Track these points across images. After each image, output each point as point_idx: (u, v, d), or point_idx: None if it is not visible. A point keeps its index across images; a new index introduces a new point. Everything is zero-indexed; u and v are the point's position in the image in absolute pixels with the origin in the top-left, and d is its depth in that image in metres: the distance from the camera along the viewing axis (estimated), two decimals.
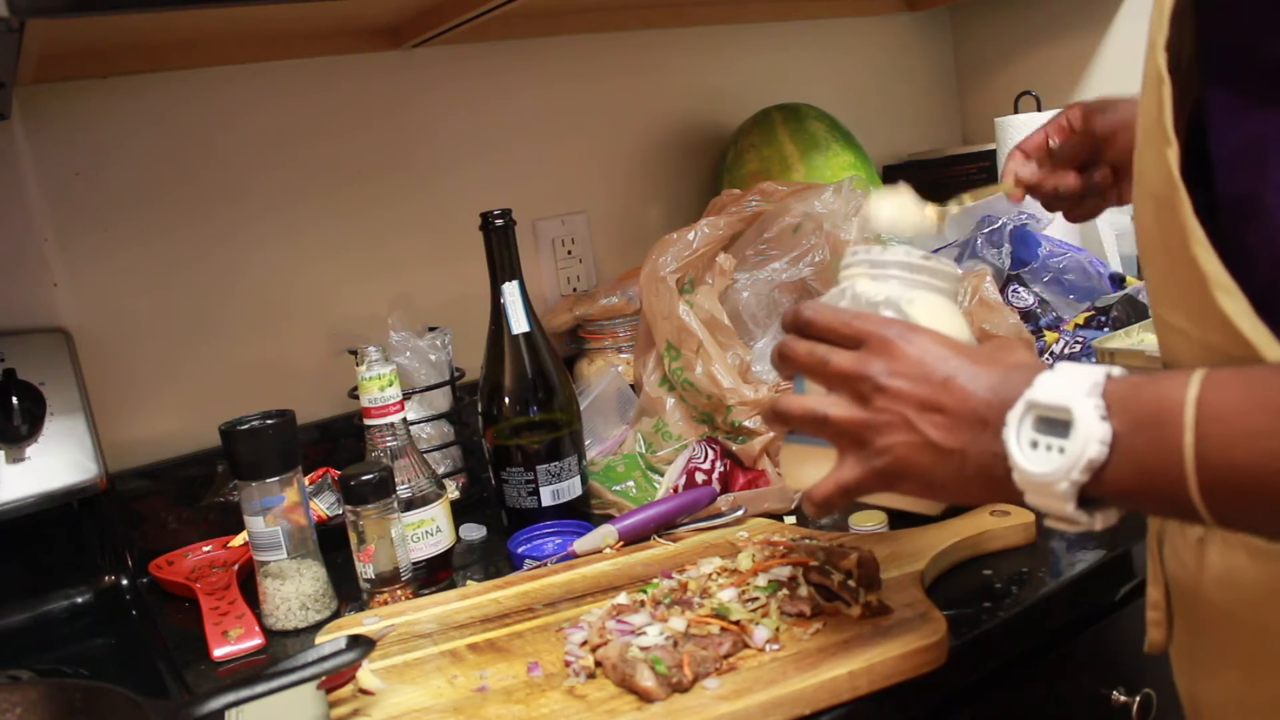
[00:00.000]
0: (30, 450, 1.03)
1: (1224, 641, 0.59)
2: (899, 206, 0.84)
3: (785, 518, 1.03)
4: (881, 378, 0.60)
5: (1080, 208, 0.92)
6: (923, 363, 0.59)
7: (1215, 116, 0.54)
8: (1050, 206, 0.92)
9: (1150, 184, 0.55)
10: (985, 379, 0.57)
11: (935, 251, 1.43)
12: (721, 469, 1.08)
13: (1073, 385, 0.52)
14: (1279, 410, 0.46)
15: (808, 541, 0.87)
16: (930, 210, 0.84)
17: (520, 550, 1.02)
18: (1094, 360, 1.14)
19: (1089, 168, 0.90)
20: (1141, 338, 1.13)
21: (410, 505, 0.98)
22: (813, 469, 0.65)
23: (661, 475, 1.12)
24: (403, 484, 0.97)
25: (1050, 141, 0.89)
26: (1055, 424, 0.52)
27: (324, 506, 1.11)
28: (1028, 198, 0.92)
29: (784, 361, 0.66)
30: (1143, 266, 0.60)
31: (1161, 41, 0.53)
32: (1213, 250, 0.50)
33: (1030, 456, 0.53)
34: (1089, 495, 0.52)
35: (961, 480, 0.58)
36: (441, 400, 1.21)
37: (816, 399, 0.63)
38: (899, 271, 0.68)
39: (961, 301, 0.70)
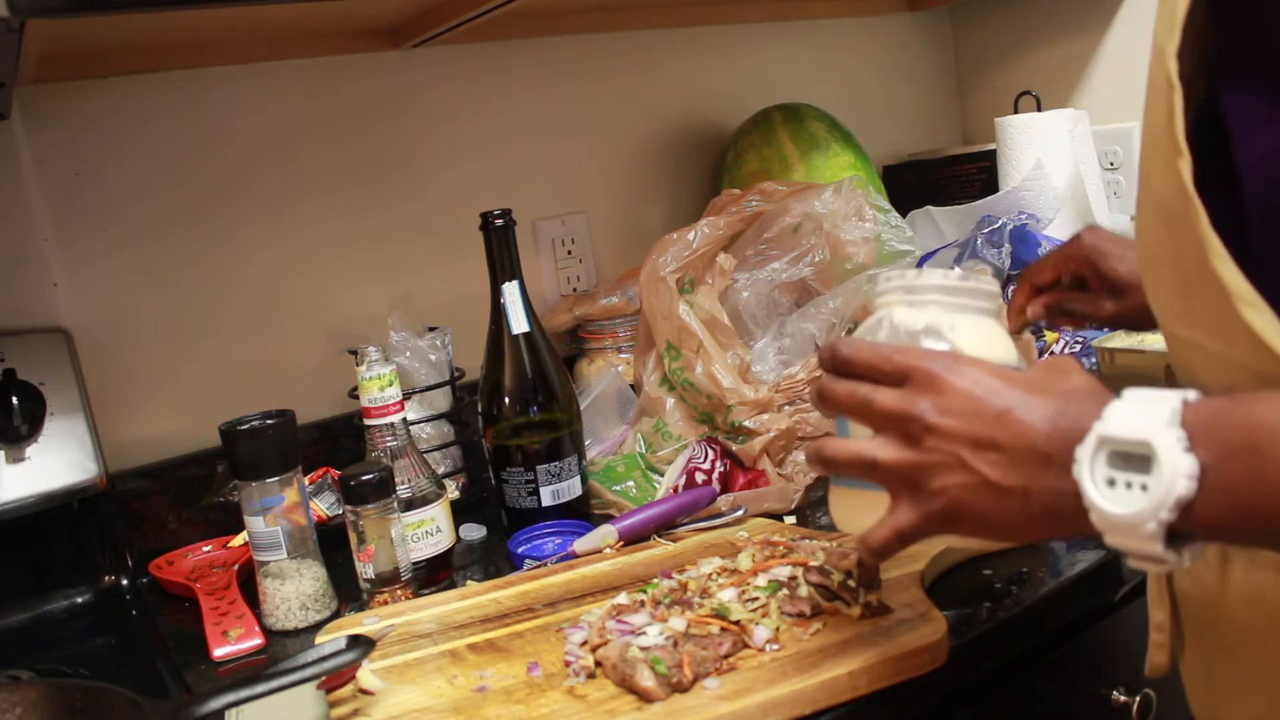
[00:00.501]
0: (30, 450, 1.03)
1: (1249, 663, 0.58)
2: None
3: (785, 518, 1.03)
4: (930, 416, 0.56)
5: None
6: (973, 396, 0.55)
7: (1238, 124, 0.52)
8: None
9: (1159, 196, 0.53)
10: (1042, 410, 0.53)
11: (934, 253, 1.43)
12: (721, 469, 1.08)
13: (1149, 416, 0.48)
14: None
15: (808, 541, 0.87)
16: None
17: (520, 550, 1.02)
18: (1094, 360, 1.14)
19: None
20: (1141, 338, 1.13)
21: (410, 505, 0.98)
22: (865, 514, 0.62)
23: (661, 475, 1.12)
24: (403, 484, 0.97)
25: (1059, 286, 0.90)
26: (1133, 459, 0.48)
27: (324, 506, 1.11)
28: (1033, 202, 0.92)
29: (824, 403, 0.62)
30: (1146, 281, 0.58)
31: (1172, 49, 0.51)
32: (1233, 263, 0.48)
33: (1109, 496, 0.49)
34: (1177, 530, 0.49)
35: (1026, 519, 0.54)
36: (441, 400, 1.21)
37: (863, 443, 0.60)
38: (937, 296, 0.65)
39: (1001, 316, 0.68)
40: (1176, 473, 0.47)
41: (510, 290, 1.07)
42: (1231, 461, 0.46)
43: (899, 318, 0.65)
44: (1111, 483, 0.49)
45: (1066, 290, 0.89)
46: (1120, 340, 1.13)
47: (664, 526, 1.01)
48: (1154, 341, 1.11)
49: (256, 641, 0.92)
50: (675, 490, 1.07)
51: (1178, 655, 0.66)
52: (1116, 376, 1.04)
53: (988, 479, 0.54)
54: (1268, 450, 0.45)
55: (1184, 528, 0.48)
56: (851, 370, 0.61)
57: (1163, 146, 0.51)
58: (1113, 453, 0.49)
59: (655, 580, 0.85)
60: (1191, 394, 0.49)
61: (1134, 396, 0.50)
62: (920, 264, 1.27)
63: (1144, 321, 0.81)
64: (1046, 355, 1.19)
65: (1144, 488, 0.48)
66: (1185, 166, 0.50)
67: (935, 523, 0.58)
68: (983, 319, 0.65)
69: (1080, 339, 1.20)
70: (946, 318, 0.64)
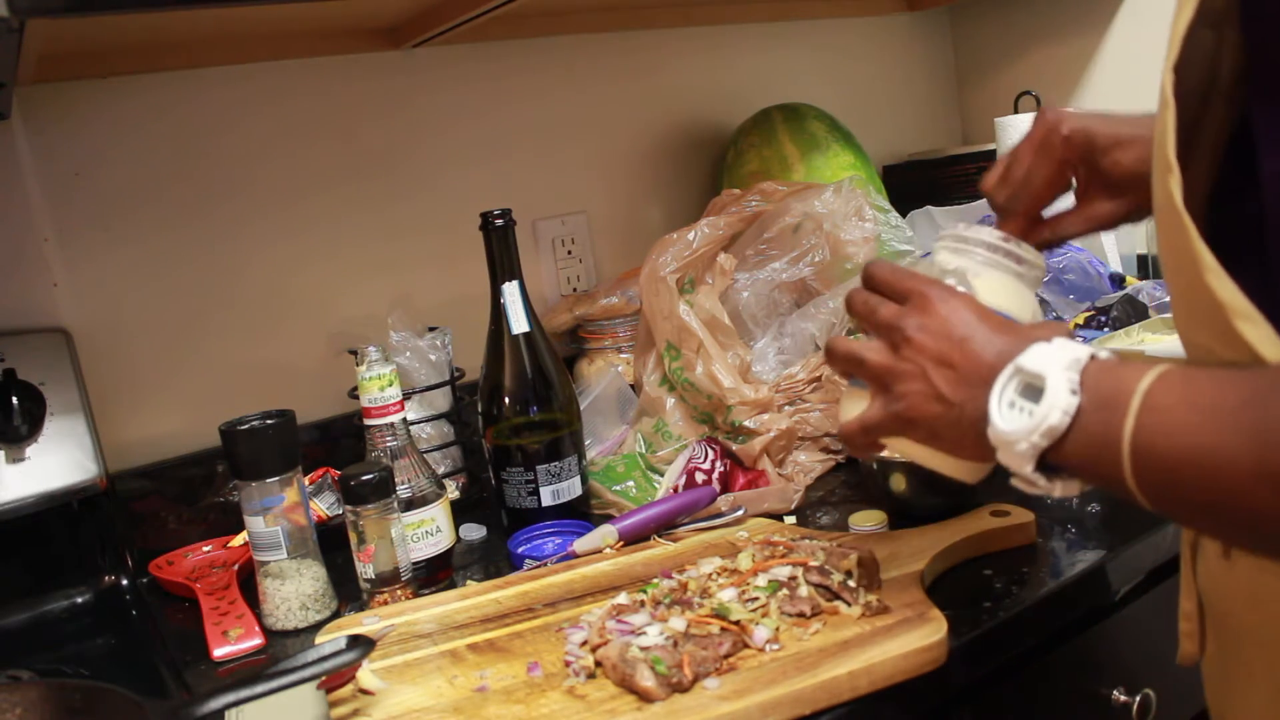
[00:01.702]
0: (30, 450, 1.03)
1: (1254, 660, 0.59)
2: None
3: (785, 518, 1.03)
4: (911, 330, 0.64)
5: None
6: (948, 321, 0.63)
7: (1262, 134, 0.53)
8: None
9: (1159, 209, 0.55)
10: (997, 344, 0.61)
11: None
12: (721, 469, 1.08)
13: (1055, 357, 0.56)
14: (1205, 408, 0.48)
15: (808, 541, 0.87)
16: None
17: (520, 550, 1.02)
18: None
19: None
20: (1142, 337, 1.13)
21: (410, 505, 0.98)
22: (852, 408, 0.71)
23: (661, 475, 1.12)
24: (403, 484, 0.97)
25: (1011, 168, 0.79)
26: (1034, 390, 0.56)
27: (324, 506, 1.11)
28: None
29: (847, 308, 0.72)
30: (1165, 281, 0.61)
31: (1169, 63, 0.53)
32: (1227, 278, 0.50)
33: (1004, 415, 0.57)
34: (1050, 463, 0.56)
35: (958, 432, 0.62)
36: (441, 400, 1.21)
37: (859, 343, 0.69)
38: (979, 250, 0.72)
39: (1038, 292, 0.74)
40: (1054, 406, 0.54)
41: (510, 290, 1.07)
42: (1097, 410, 0.53)
43: (940, 259, 0.73)
44: (1012, 405, 0.57)
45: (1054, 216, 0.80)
46: (1120, 340, 1.13)
47: (664, 526, 1.01)
48: (1154, 342, 1.11)
49: (256, 641, 0.92)
50: (675, 490, 1.07)
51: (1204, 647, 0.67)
52: None
53: (939, 391, 0.63)
54: (1119, 409, 0.52)
55: (1055, 459, 0.56)
56: (872, 285, 0.70)
57: (1159, 161, 0.54)
58: (1023, 382, 0.57)
59: (655, 580, 0.85)
60: (1104, 352, 0.56)
61: (1059, 342, 0.57)
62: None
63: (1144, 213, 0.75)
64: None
65: (1030, 414, 0.56)
66: (1175, 183, 0.52)
67: (895, 422, 0.66)
68: (1012, 280, 0.71)
69: (1080, 339, 1.20)
70: (976, 267, 0.71)
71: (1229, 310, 0.50)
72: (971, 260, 0.72)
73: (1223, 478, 0.47)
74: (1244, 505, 0.47)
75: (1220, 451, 0.47)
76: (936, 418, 0.63)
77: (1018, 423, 0.56)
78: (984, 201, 1.49)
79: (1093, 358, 0.55)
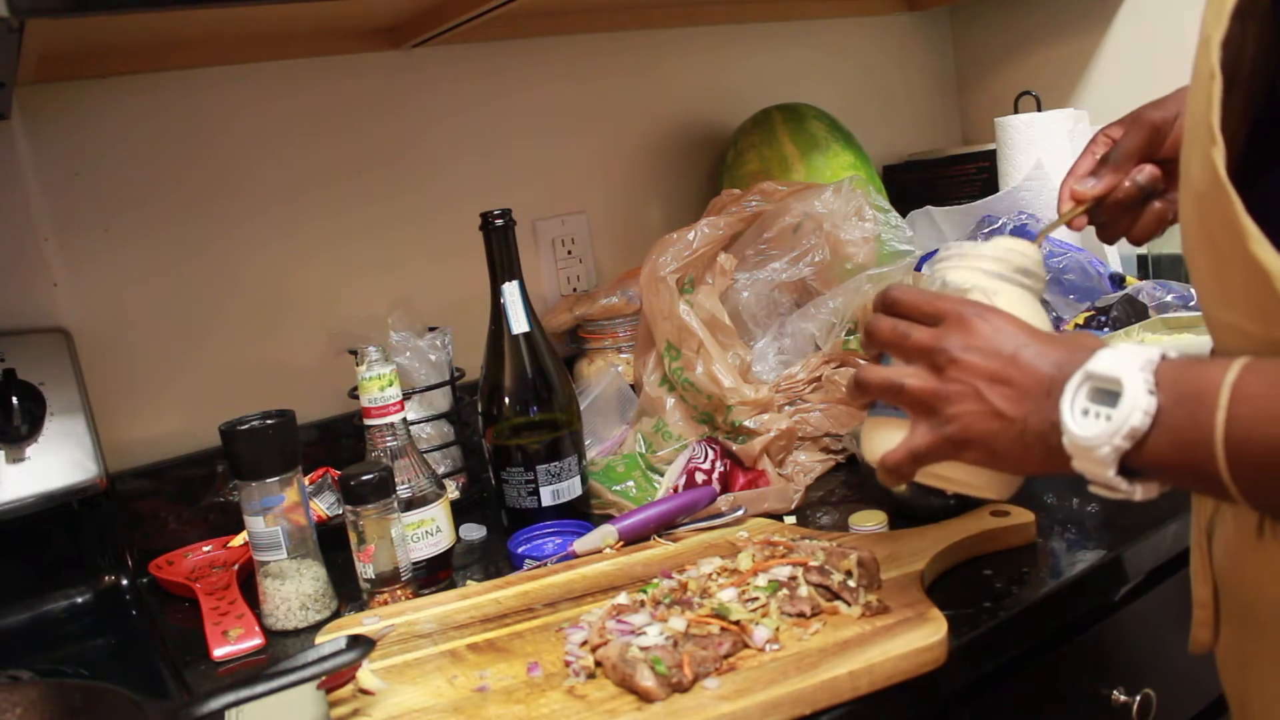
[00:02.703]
0: (30, 450, 1.03)
1: None
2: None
3: (785, 518, 1.03)
4: (956, 350, 0.63)
5: (1141, 222, 0.83)
6: (995, 338, 0.62)
7: None
8: (1109, 231, 0.84)
9: (1195, 183, 0.55)
10: (1052, 355, 0.60)
11: (933, 253, 1.43)
12: (721, 469, 1.08)
13: (1128, 360, 0.55)
14: None
15: (808, 541, 0.87)
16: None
17: (520, 550, 1.02)
18: None
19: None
20: (1142, 337, 1.13)
21: (410, 505, 0.98)
22: (888, 438, 0.69)
23: (661, 475, 1.12)
24: (403, 484, 0.97)
25: (1095, 155, 0.83)
26: (1108, 394, 0.55)
27: (324, 506, 1.11)
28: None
29: (870, 338, 0.70)
30: (1188, 262, 0.61)
31: (1218, 37, 0.52)
32: (1271, 247, 0.50)
33: (1080, 422, 0.56)
34: (1131, 466, 0.55)
35: (1022, 447, 0.61)
36: (441, 400, 1.21)
37: (895, 370, 0.67)
38: (989, 265, 0.71)
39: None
40: (1134, 407, 0.53)
41: (510, 290, 1.07)
42: (1180, 406, 0.52)
43: (951, 278, 0.72)
44: (1086, 413, 0.56)
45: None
46: (1120, 340, 1.13)
47: (664, 526, 1.01)
48: (1154, 342, 1.11)
49: (256, 641, 0.92)
50: (675, 490, 1.07)
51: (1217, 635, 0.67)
52: None
53: (997, 409, 0.61)
54: (1206, 402, 0.51)
55: (1137, 462, 0.55)
56: (896, 310, 0.68)
57: (1199, 135, 0.53)
58: (1094, 388, 0.56)
59: (655, 580, 0.85)
60: (1173, 351, 0.55)
61: (1123, 346, 0.56)
62: (920, 264, 1.26)
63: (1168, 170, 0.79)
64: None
65: (1109, 418, 0.54)
66: (1219, 155, 0.52)
67: (947, 446, 0.64)
68: (1025, 293, 0.71)
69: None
70: (991, 284, 0.70)
71: (1274, 277, 0.50)
72: (984, 277, 0.71)
73: None
74: None
75: None
76: (994, 436, 0.62)
77: (1096, 428, 0.55)
78: (984, 201, 1.50)
79: (1164, 357, 0.55)
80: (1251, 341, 0.54)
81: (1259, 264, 0.50)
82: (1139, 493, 0.56)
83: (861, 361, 0.74)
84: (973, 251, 0.73)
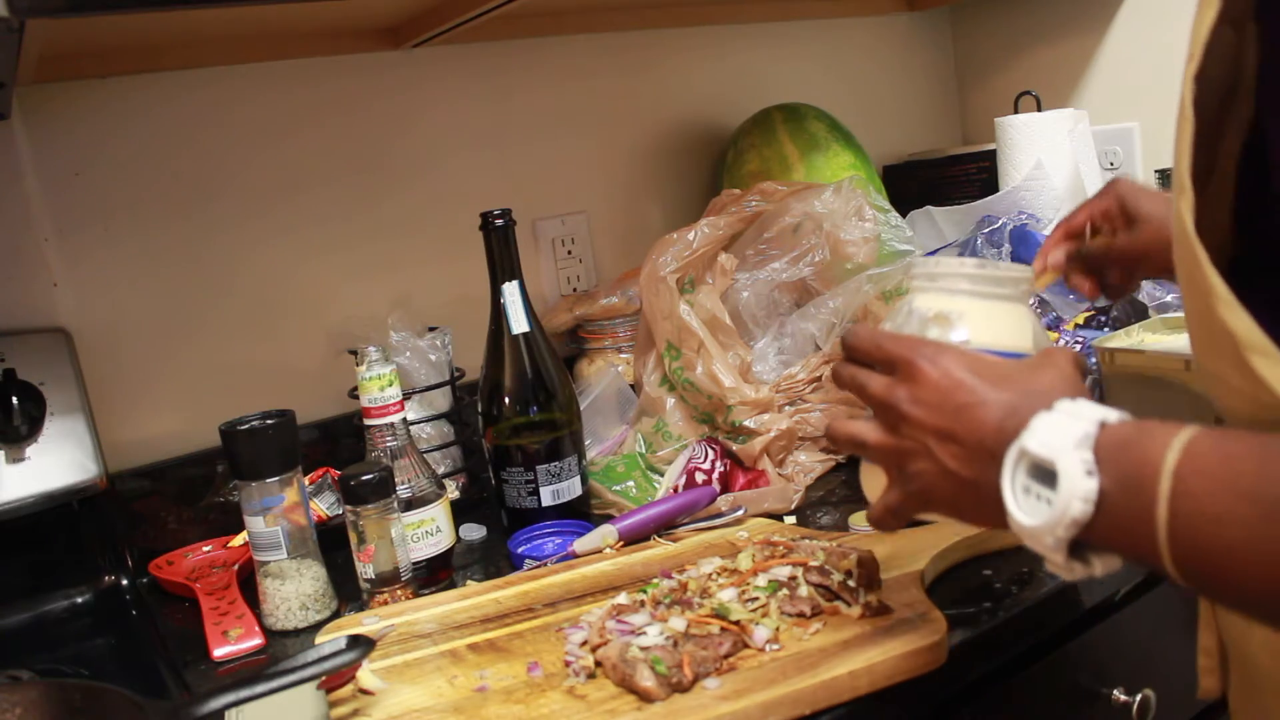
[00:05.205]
0: (30, 450, 1.03)
1: (1273, 709, 0.57)
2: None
3: (785, 518, 1.03)
4: (904, 405, 0.59)
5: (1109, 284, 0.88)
6: (940, 389, 0.58)
7: (1276, 147, 0.49)
8: (1111, 292, 0.88)
9: (1175, 237, 0.51)
10: (997, 410, 0.55)
11: (933, 253, 1.43)
12: (721, 469, 1.08)
13: (1065, 435, 0.50)
14: (1247, 494, 0.44)
15: (808, 541, 0.87)
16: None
17: (520, 550, 1.02)
18: (1094, 361, 1.14)
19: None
20: (1141, 337, 1.13)
21: (410, 505, 0.98)
22: (879, 480, 0.66)
23: (661, 475, 1.12)
24: (403, 484, 0.97)
25: (1088, 231, 0.84)
26: (1047, 473, 0.51)
27: (324, 506, 1.11)
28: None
29: (836, 383, 0.67)
30: (1184, 310, 0.58)
31: (1191, 70, 0.49)
32: (1240, 309, 0.47)
33: (1021, 504, 0.52)
34: (1084, 541, 0.51)
35: (982, 510, 0.57)
36: (441, 400, 1.21)
37: (858, 424, 0.64)
38: (957, 283, 0.68)
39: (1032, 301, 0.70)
40: (1073, 495, 0.49)
41: (510, 290, 1.07)
42: (1123, 492, 0.48)
43: (918, 303, 0.68)
44: (1028, 491, 0.52)
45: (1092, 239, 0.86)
46: (1120, 340, 1.13)
47: (664, 526, 1.01)
48: (1154, 341, 1.11)
49: (256, 641, 0.92)
50: (675, 490, 1.07)
51: (1226, 681, 0.65)
52: (1116, 377, 1.04)
53: (948, 469, 0.58)
54: (1147, 493, 0.47)
55: (1087, 541, 0.51)
56: (854, 356, 0.65)
57: (1174, 183, 0.51)
58: (1031, 463, 0.52)
59: (655, 580, 0.85)
60: (1114, 415, 0.51)
61: (1063, 410, 0.52)
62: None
63: (1153, 256, 0.80)
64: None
65: (1049, 502, 0.50)
66: (1186, 206, 0.49)
67: (914, 502, 0.62)
68: (1000, 304, 0.67)
69: (1080, 339, 1.20)
70: (958, 304, 0.66)
71: (1242, 345, 0.47)
72: (952, 298, 0.67)
73: None
74: None
75: (1276, 544, 0.43)
76: (954, 496, 0.58)
77: (1038, 515, 0.51)
78: (984, 201, 1.50)
79: (1103, 425, 0.50)
80: (1240, 397, 0.50)
81: (1227, 328, 0.48)
82: (1098, 568, 0.53)
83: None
84: (940, 270, 0.68)
